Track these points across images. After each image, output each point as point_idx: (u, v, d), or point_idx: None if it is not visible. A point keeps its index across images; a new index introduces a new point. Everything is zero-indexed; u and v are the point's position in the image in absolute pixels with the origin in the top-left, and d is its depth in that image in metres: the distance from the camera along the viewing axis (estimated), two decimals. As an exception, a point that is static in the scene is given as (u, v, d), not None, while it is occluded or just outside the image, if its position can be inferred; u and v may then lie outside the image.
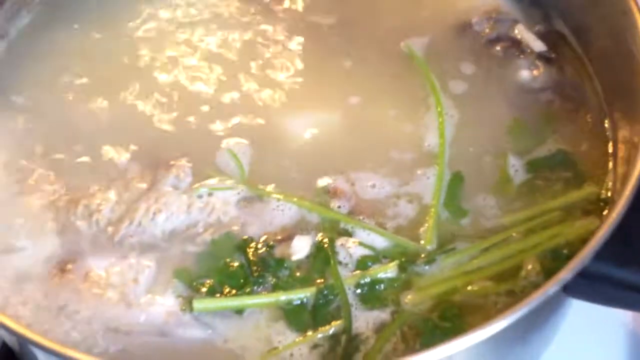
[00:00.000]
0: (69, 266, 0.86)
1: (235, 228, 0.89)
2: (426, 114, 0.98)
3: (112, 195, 0.91)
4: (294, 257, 0.86)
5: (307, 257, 0.86)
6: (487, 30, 1.06)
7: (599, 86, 0.99)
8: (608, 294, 0.77)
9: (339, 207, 0.90)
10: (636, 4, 0.91)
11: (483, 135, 0.96)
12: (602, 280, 0.76)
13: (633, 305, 0.81)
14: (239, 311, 0.83)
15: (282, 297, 0.83)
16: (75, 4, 1.12)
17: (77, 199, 0.91)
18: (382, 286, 0.84)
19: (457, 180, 0.92)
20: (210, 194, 0.91)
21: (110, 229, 0.89)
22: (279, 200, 0.90)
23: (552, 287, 0.72)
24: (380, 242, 0.87)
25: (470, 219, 0.89)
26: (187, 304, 0.83)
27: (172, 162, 0.93)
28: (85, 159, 0.96)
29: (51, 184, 0.93)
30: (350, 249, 0.86)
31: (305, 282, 0.84)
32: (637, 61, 0.88)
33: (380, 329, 0.81)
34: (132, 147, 0.96)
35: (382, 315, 0.82)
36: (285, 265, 0.85)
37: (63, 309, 0.83)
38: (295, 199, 0.90)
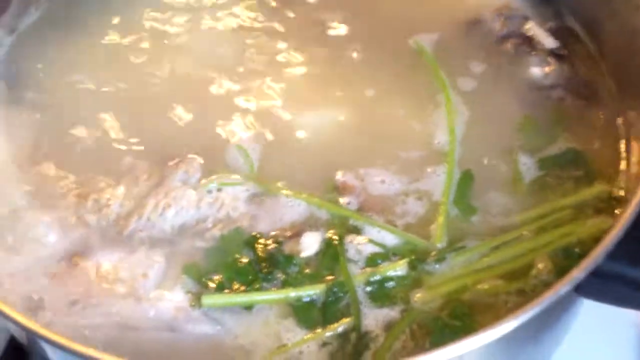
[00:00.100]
0: (78, 260, 0.86)
1: (244, 224, 0.88)
2: (435, 112, 0.98)
3: (121, 190, 0.91)
4: (303, 254, 0.85)
5: (317, 253, 0.86)
6: (497, 27, 1.06)
7: (611, 83, 0.99)
8: (621, 294, 0.77)
9: (348, 203, 0.90)
10: (649, -1, 0.90)
11: (493, 132, 0.96)
12: (614, 280, 0.75)
13: (646, 306, 0.80)
14: (248, 307, 0.82)
15: (292, 293, 0.82)
16: (82, 0, 1.12)
17: (86, 193, 0.91)
18: (392, 284, 0.83)
19: (467, 177, 0.92)
20: (219, 190, 0.91)
21: (120, 223, 0.89)
22: (288, 196, 0.90)
23: (564, 286, 0.72)
24: (390, 239, 0.87)
25: (480, 217, 0.89)
26: (196, 300, 0.83)
27: (181, 158, 0.93)
28: (94, 154, 0.96)
29: (61, 178, 0.93)
30: (360, 246, 0.86)
31: (314, 279, 0.84)
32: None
33: (390, 327, 0.81)
34: (142, 143, 0.96)
35: (391, 313, 0.82)
36: (295, 261, 0.85)
37: (72, 303, 0.83)
38: (304, 195, 0.90)
